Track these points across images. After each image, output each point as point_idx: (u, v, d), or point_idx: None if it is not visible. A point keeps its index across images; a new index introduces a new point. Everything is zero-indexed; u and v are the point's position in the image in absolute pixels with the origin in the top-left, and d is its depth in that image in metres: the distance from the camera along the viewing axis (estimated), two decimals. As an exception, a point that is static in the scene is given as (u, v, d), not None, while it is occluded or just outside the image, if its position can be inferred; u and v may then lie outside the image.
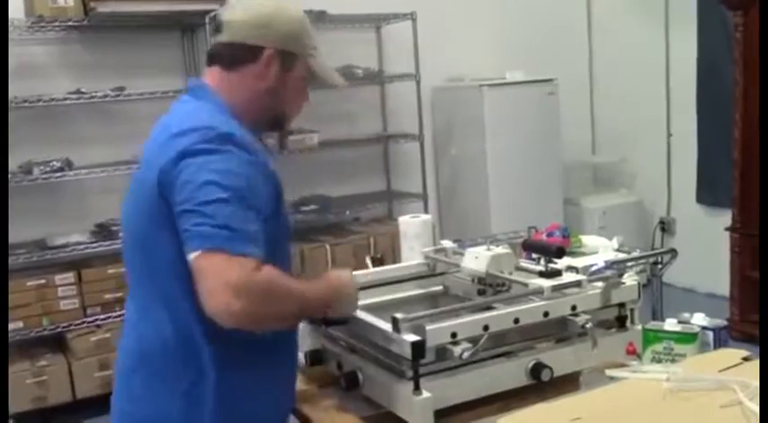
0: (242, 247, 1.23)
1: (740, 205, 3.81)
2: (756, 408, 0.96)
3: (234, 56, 1.45)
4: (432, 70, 4.42)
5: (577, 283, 1.56)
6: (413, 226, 2.22)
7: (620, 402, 1.08)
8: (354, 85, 4.17)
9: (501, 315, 1.46)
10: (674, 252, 2.08)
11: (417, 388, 1.36)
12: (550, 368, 1.47)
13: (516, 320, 1.46)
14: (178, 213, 1.27)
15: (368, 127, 4.55)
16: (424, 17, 4.25)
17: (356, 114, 4.53)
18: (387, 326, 1.42)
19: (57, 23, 3.41)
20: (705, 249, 4.21)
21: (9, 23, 3.27)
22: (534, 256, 1.78)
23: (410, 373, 1.37)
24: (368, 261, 2.20)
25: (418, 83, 4.30)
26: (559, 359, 1.50)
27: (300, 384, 1.64)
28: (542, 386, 1.47)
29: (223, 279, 1.20)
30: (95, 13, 3.37)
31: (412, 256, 2.23)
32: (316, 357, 1.68)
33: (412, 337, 1.35)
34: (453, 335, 1.38)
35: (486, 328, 1.42)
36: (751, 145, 3.67)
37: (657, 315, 1.95)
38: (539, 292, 1.52)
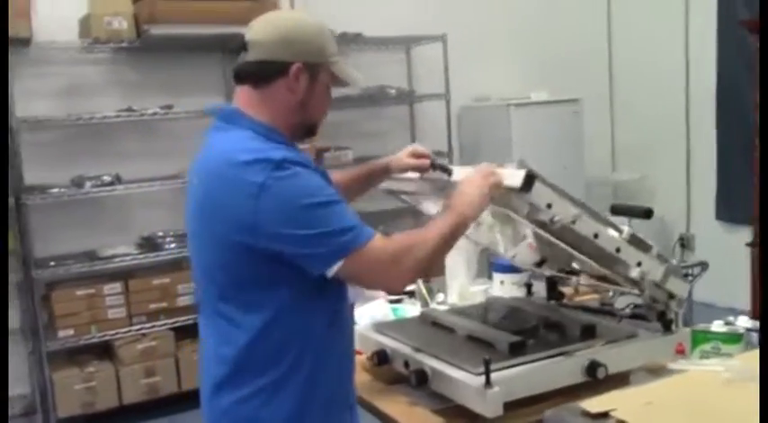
0: (365, 235, 1.39)
1: (760, 221, 3.94)
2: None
3: (263, 73, 1.49)
4: (459, 90, 4.59)
5: (648, 248, 1.68)
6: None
7: (685, 390, 1.22)
8: (386, 105, 4.33)
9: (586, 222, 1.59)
10: (704, 264, 2.20)
11: (488, 382, 1.50)
12: (605, 366, 1.61)
13: (596, 235, 1.59)
14: (283, 240, 1.37)
15: (398, 144, 4.66)
16: (452, 39, 4.42)
17: (387, 132, 4.69)
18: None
19: (111, 45, 3.59)
20: (724, 265, 4.32)
21: (64, 44, 3.46)
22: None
23: (481, 369, 1.51)
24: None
25: (448, 102, 4.46)
26: (613, 358, 1.63)
27: (369, 381, 1.79)
28: (596, 384, 1.60)
29: (374, 268, 1.40)
30: (147, 35, 3.55)
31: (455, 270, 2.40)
32: (382, 357, 1.82)
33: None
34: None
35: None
36: (771, 163, 3.80)
37: (689, 325, 2.08)
38: (619, 231, 1.65)
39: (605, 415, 1.15)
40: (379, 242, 1.41)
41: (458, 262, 2.42)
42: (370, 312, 2.24)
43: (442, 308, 2.22)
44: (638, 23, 5.21)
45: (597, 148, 5.27)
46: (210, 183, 1.44)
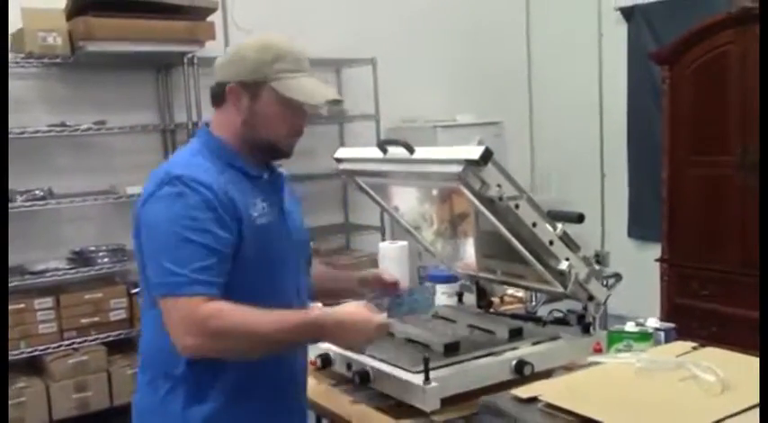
0: (185, 289, 1.39)
1: (668, 238, 4.23)
2: (709, 377, 1.27)
3: (213, 95, 1.59)
4: (388, 111, 4.76)
5: (576, 248, 1.84)
6: (390, 251, 2.52)
7: (603, 377, 1.38)
8: (317, 123, 4.46)
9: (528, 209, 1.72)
10: (618, 276, 2.40)
11: (427, 379, 1.63)
12: (531, 364, 1.77)
13: (534, 224, 1.73)
14: (144, 254, 1.50)
15: (327, 163, 4.80)
16: (382, 62, 4.60)
17: (316, 151, 4.79)
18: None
19: (45, 60, 3.60)
20: (636, 279, 4.61)
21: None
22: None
23: (420, 367, 1.65)
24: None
25: (377, 122, 4.63)
26: (538, 357, 1.80)
27: (314, 383, 1.89)
28: (523, 381, 1.75)
29: (172, 319, 1.40)
30: (82, 52, 3.58)
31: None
32: (326, 360, 1.94)
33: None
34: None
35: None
36: (677, 185, 4.10)
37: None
38: (554, 227, 1.79)
39: (534, 399, 1.31)
40: (192, 304, 1.38)
41: (395, 272, 2.56)
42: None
43: (380, 316, 2.36)
44: (556, 51, 5.51)
45: (519, 169, 5.53)
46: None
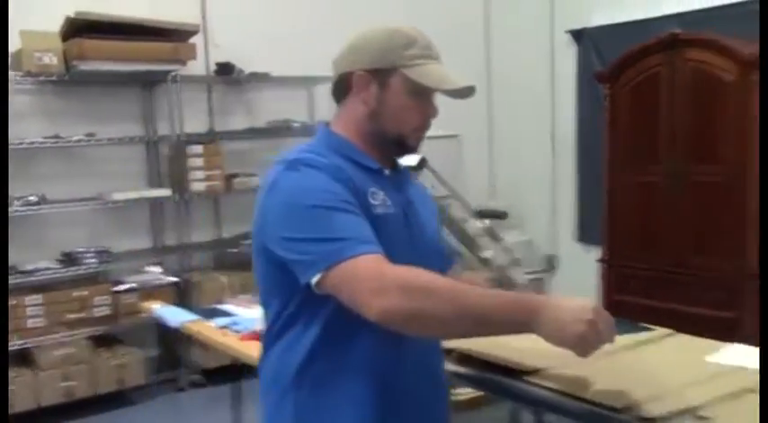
0: (361, 248, 1.25)
1: (608, 241, 4.65)
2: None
3: (337, 90, 1.47)
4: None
5: (500, 240, 1.99)
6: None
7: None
8: (290, 136, 4.83)
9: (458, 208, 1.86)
10: (552, 260, 2.78)
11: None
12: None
13: (464, 220, 1.85)
14: (279, 243, 1.31)
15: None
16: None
17: (290, 161, 5.16)
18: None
19: (41, 78, 3.95)
20: (581, 279, 5.05)
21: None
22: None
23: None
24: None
25: (345, 135, 5.00)
26: (467, 343, 2.11)
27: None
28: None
29: (356, 284, 1.22)
30: (75, 70, 3.93)
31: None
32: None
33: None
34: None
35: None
36: (616, 192, 4.52)
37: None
38: (482, 223, 1.94)
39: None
40: (371, 262, 1.24)
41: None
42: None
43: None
44: (513, 68, 5.88)
45: (477, 179, 5.93)
46: None
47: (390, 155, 1.48)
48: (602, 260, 4.71)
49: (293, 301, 1.37)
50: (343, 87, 1.45)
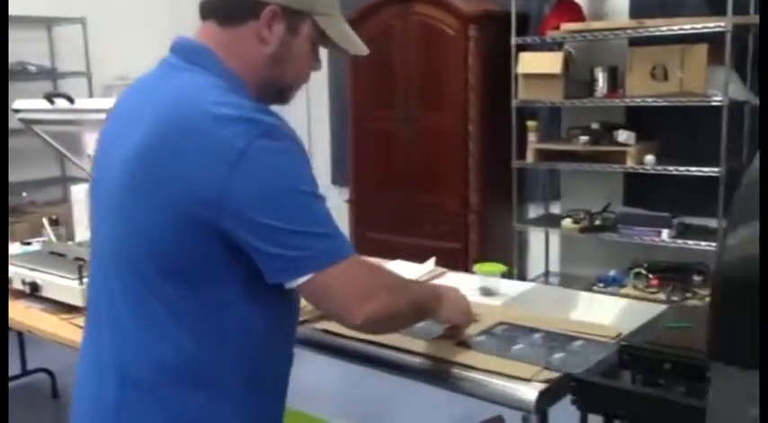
0: (348, 249, 1.15)
1: (354, 184, 4.98)
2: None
3: (230, 9, 1.22)
4: (104, 68, 4.99)
5: None
6: (80, 193, 2.90)
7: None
8: (27, 80, 4.60)
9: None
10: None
11: (81, 281, 2.09)
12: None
13: None
14: (255, 229, 1.09)
15: (42, 118, 4.97)
16: (92, 21, 4.83)
17: (30, 106, 4.93)
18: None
19: None
20: (337, 220, 5.34)
21: None
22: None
23: (76, 274, 2.09)
24: (44, 221, 2.84)
25: (89, 79, 4.86)
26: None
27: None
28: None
29: (345, 288, 1.14)
30: None
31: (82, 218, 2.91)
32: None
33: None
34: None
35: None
36: (359, 137, 4.84)
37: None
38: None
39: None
40: (363, 264, 1.19)
41: (84, 211, 2.94)
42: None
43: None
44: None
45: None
46: (166, 133, 1.12)
47: (266, 103, 1.24)
48: (349, 200, 5.03)
49: (222, 287, 1.15)
50: (243, 10, 1.21)
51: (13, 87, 4.52)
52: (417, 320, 1.38)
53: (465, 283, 1.80)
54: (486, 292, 1.71)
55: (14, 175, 4.71)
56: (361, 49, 1.34)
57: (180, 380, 1.15)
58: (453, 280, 1.86)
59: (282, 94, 1.29)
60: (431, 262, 2.02)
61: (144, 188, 1.13)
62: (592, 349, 1.41)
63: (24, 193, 4.71)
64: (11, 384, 3.46)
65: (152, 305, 1.15)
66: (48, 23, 4.86)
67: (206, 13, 1.24)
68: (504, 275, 1.76)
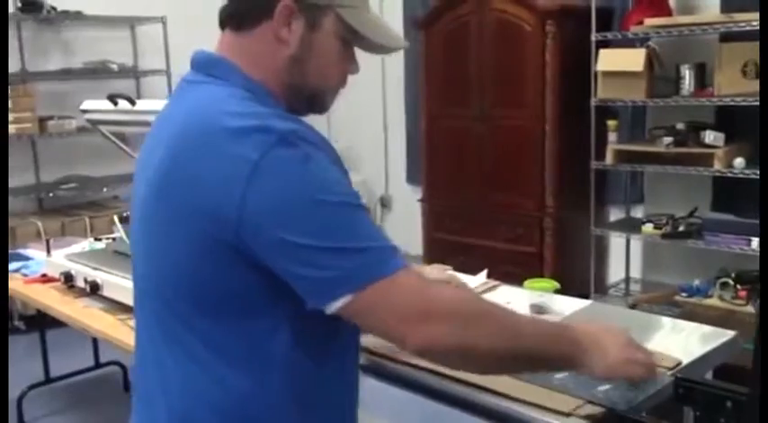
0: (396, 263, 0.98)
1: (426, 181, 4.90)
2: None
3: (243, 12, 1.10)
4: (183, 66, 5.07)
5: None
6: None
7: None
8: (110, 78, 4.72)
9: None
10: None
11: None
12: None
13: None
14: (280, 249, 0.96)
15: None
16: (174, 19, 4.92)
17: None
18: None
19: None
20: (410, 219, 5.29)
21: None
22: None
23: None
24: (115, 218, 2.89)
25: (169, 77, 4.96)
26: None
27: (60, 296, 2.31)
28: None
29: (393, 307, 0.97)
30: None
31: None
32: (68, 277, 2.35)
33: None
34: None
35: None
36: (432, 135, 4.75)
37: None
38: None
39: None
40: (413, 279, 0.99)
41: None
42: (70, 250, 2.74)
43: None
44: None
45: (314, 123, 6.02)
46: (182, 152, 1.02)
47: (300, 114, 1.13)
48: (421, 200, 4.95)
49: (264, 316, 1.03)
50: (256, 11, 1.09)
51: (95, 85, 4.65)
52: (529, 368, 1.14)
53: (515, 300, 1.70)
54: (538, 309, 1.61)
55: (96, 171, 4.87)
56: (399, 42, 1.19)
57: (233, 421, 1.05)
58: (504, 294, 1.75)
59: (315, 101, 1.15)
60: (483, 274, 1.91)
61: (164, 217, 1.03)
62: (644, 381, 1.21)
63: (105, 189, 4.83)
64: (83, 377, 3.56)
65: (192, 343, 1.04)
66: (130, 23, 4.98)
67: (223, 22, 1.14)
68: (557, 292, 1.66)
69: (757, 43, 3.48)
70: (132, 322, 2.01)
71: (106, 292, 2.22)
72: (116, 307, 2.19)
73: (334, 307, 0.97)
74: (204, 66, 1.12)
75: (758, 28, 3.33)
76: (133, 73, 4.99)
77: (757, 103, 3.39)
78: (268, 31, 1.08)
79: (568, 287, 1.80)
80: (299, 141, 0.98)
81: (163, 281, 1.05)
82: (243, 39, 1.10)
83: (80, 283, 2.32)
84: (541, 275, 4.21)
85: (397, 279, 0.97)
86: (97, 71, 4.64)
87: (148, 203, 1.06)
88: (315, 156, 0.99)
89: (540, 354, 1.07)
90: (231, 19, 1.11)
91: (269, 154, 0.96)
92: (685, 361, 1.30)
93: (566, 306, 1.61)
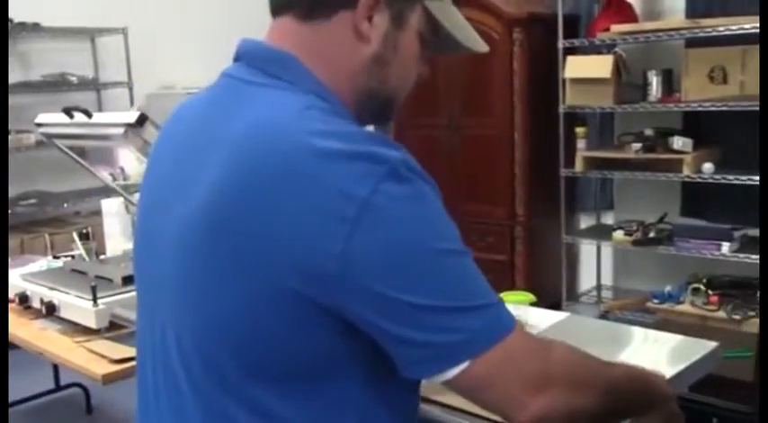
0: (509, 324, 0.83)
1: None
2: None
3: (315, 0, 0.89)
4: (145, 78, 4.98)
5: None
6: (112, 206, 2.85)
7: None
8: (69, 91, 4.60)
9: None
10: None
11: (95, 302, 2.01)
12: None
13: None
14: (386, 307, 0.79)
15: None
16: (136, 31, 4.81)
17: (74, 117, 4.94)
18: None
19: None
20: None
21: None
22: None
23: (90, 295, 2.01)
24: (74, 235, 2.79)
25: (131, 89, 4.85)
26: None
27: (16, 319, 2.20)
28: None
29: (510, 376, 0.82)
30: None
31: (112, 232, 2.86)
32: (23, 298, 2.25)
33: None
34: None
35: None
36: (402, 143, 4.68)
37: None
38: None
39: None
40: (528, 340, 0.87)
41: (114, 225, 2.88)
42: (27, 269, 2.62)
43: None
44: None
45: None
46: (248, 178, 0.80)
47: (366, 123, 0.97)
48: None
49: (336, 386, 0.85)
50: (328, 1, 0.89)
51: (54, 98, 4.52)
52: (615, 418, 0.98)
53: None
54: (515, 323, 1.56)
55: (56, 187, 4.74)
56: (481, 44, 1.01)
57: None
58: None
59: (386, 109, 0.98)
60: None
61: (220, 257, 0.81)
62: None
63: (66, 204, 4.70)
64: (43, 399, 3.44)
65: (239, 417, 0.84)
66: (90, 34, 4.86)
67: (279, 6, 0.92)
68: (532, 305, 1.61)
69: (722, 49, 3.50)
70: (91, 344, 1.94)
71: (63, 314, 2.12)
72: (73, 328, 2.09)
73: (445, 376, 0.81)
74: (264, 61, 0.90)
75: (723, 33, 3.34)
76: (94, 85, 4.87)
77: (725, 109, 3.40)
78: (347, 23, 0.89)
79: (540, 295, 1.77)
80: (411, 174, 0.81)
81: (203, 330, 0.84)
82: (311, 30, 0.89)
83: (36, 304, 2.22)
84: (513, 284, 4.18)
85: (515, 340, 0.82)
86: (56, 84, 4.52)
87: (190, 238, 0.84)
88: (426, 193, 0.83)
89: (632, 406, 0.97)
90: (294, 3, 0.90)
91: (379, 190, 0.77)
92: (668, 374, 1.26)
93: (542, 319, 1.56)
